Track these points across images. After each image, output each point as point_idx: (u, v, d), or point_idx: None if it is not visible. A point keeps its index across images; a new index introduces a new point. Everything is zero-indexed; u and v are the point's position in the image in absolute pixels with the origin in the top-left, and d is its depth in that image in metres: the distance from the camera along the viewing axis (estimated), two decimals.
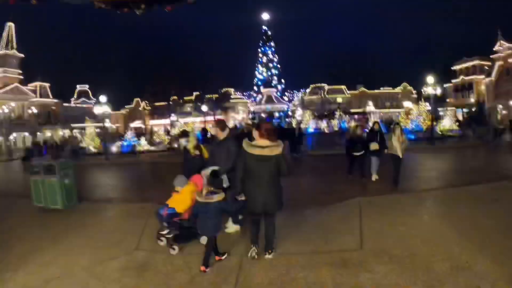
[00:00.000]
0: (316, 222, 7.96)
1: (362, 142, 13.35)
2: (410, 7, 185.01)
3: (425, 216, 8.11)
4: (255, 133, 5.71)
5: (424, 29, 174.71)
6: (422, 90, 36.52)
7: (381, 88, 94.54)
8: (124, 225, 8.59)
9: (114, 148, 33.74)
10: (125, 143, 33.19)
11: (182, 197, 6.74)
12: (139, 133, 44.98)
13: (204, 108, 47.53)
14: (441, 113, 49.21)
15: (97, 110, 31.83)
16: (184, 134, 9.19)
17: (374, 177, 13.06)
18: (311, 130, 50.78)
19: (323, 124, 52.51)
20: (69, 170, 11.24)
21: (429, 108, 34.06)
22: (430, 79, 29.74)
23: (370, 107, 69.73)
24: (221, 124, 7.79)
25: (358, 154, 13.28)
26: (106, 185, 17.68)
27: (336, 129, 49.08)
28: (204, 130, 42.46)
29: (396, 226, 7.18)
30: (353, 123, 29.91)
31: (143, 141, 32.46)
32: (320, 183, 13.66)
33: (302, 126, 51.23)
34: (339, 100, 51.87)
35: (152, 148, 31.27)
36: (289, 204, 7.53)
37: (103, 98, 31.09)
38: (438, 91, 32.28)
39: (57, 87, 76.43)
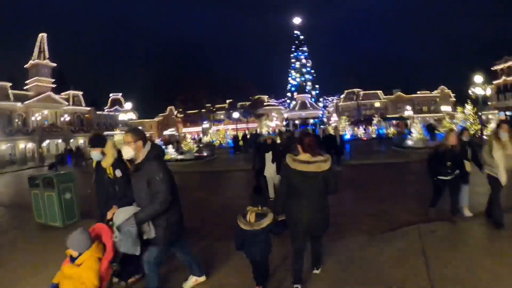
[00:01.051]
0: (361, 259, 6.09)
1: (455, 159, 7.98)
2: (446, 7, 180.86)
3: None
4: (298, 147, 5.07)
5: (461, 29, 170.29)
6: (470, 91, 33.47)
7: (418, 92, 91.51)
8: None
9: None
10: None
11: (84, 274, 4.00)
12: (168, 140, 43.58)
13: (236, 115, 46.12)
14: (485, 117, 46.12)
15: (122, 117, 30.98)
16: (97, 140, 5.83)
17: (468, 212, 8.34)
18: (347, 136, 48.20)
19: (360, 131, 50.18)
20: (70, 183, 10.03)
21: (474, 111, 31.50)
22: (478, 78, 27.43)
23: (409, 111, 66.95)
24: (136, 135, 4.72)
25: (447, 178, 8.04)
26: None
27: (373, 135, 46.80)
28: (235, 138, 41.36)
29: (481, 273, 5.10)
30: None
31: (170, 149, 30.92)
32: (363, 202, 11.16)
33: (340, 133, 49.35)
34: (377, 104, 49.39)
35: (180, 157, 29.68)
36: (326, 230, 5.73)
37: (128, 105, 30.18)
38: (488, 91, 29.80)
39: (91, 96, 77.72)
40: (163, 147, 31.39)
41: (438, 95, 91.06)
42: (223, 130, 52.84)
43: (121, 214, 4.46)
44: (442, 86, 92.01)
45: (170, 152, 30.59)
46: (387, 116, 69.75)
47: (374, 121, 50.80)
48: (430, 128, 28.38)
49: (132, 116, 31.40)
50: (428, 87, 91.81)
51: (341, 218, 8.62)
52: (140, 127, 51.18)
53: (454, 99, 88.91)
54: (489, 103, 68.03)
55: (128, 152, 4.70)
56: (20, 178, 30.71)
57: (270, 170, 11.63)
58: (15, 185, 26.29)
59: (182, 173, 24.05)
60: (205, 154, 32.30)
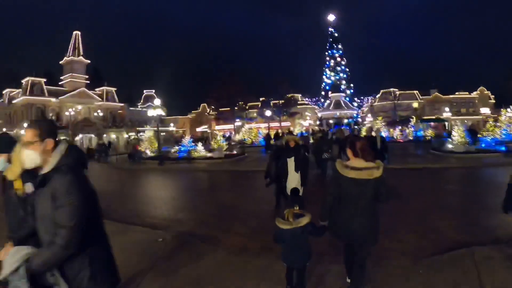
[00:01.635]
0: None
1: None
2: (486, 4, 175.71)
3: None
4: (349, 152, 4.84)
5: (502, 27, 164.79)
6: None
7: (456, 93, 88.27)
8: None
9: (172, 151, 32.17)
10: (182, 148, 31.10)
11: None
12: (199, 137, 42.91)
13: (268, 113, 45.00)
14: None
15: (151, 113, 30.32)
16: (3, 143, 3.83)
17: None
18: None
19: (396, 132, 48.28)
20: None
21: None
22: None
23: (447, 113, 64.33)
24: (42, 131, 2.91)
25: None
26: (131, 196, 15.48)
27: (410, 138, 44.89)
28: (267, 136, 40.22)
29: None
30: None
31: (199, 146, 30.07)
32: (404, 215, 9.54)
33: (373, 134, 47.52)
34: (415, 105, 47.42)
35: (209, 154, 28.82)
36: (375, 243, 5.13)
37: (157, 101, 29.46)
38: None
39: (125, 92, 78.14)
40: (192, 144, 30.72)
41: (477, 96, 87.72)
42: (255, 129, 51.79)
43: (9, 259, 2.72)
44: (481, 87, 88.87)
45: (199, 149, 29.77)
46: (425, 117, 67.25)
47: (412, 122, 48.56)
48: (472, 132, 26.45)
49: (161, 112, 30.53)
50: (467, 88, 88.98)
51: (380, 234, 7.33)
52: (172, 124, 50.29)
53: (493, 101, 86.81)
54: None
55: (31, 159, 2.86)
56: None
57: (292, 181, 8.85)
58: None
59: (210, 171, 23.33)
60: (235, 152, 31.32)
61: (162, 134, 40.41)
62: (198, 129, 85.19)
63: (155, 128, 33.32)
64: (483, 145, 25.05)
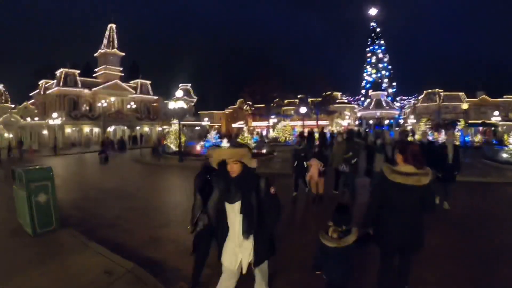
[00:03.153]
0: None
1: None
2: None
3: None
4: (398, 157, 4.69)
5: None
6: None
7: (504, 96, 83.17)
8: None
9: (198, 147, 30.27)
10: (206, 144, 28.90)
11: None
12: (226, 133, 40.88)
13: (303, 109, 42.11)
14: None
15: (172, 105, 28.23)
16: None
17: None
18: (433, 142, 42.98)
19: (442, 136, 44.58)
20: (46, 182, 7.97)
21: None
22: None
23: (496, 117, 60.22)
24: None
25: None
26: (124, 197, 13.63)
27: (457, 143, 41.09)
28: (301, 135, 37.43)
29: None
30: None
31: (224, 143, 27.76)
32: (471, 261, 6.47)
33: (417, 137, 44.25)
34: (464, 106, 43.73)
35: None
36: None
37: (179, 93, 27.24)
38: None
39: (163, 86, 77.33)
40: (218, 140, 28.46)
41: None
42: (289, 126, 49.22)
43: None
44: None
45: (224, 146, 27.47)
46: (472, 121, 63.00)
47: (459, 126, 44.63)
48: None
49: (183, 105, 28.38)
50: None
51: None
52: (206, 118, 49.37)
53: None
54: None
55: None
56: (77, 160, 33.97)
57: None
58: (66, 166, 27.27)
59: None
60: (263, 151, 28.78)
61: (196, 128, 39.27)
62: (234, 125, 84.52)
63: (186, 122, 31.57)
64: None
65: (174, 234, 8.43)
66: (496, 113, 65.20)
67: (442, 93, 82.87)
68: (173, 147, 31.82)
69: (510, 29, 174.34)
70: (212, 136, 29.25)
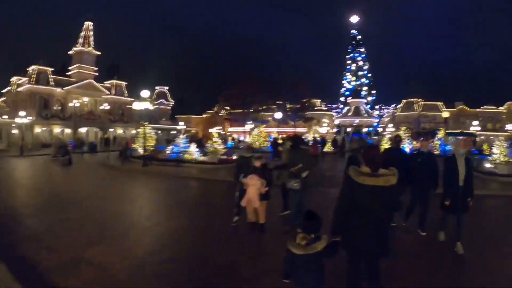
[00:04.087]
0: None
1: None
2: None
3: None
4: (363, 160, 4.59)
5: None
6: None
7: (482, 107, 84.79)
8: None
9: (167, 152, 28.75)
10: (174, 149, 27.51)
11: None
12: (195, 138, 39.42)
13: (278, 115, 41.04)
14: None
15: (137, 106, 26.72)
16: None
17: None
18: (407, 150, 42.55)
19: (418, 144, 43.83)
20: None
21: None
22: None
23: (475, 127, 60.70)
24: None
25: None
26: (82, 206, 11.89)
27: (436, 152, 40.56)
28: (275, 141, 36.15)
29: None
30: None
31: (193, 148, 26.39)
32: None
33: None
34: (445, 115, 43.35)
35: (203, 158, 25.14)
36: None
37: (145, 93, 25.60)
38: None
39: (139, 88, 75.72)
40: (187, 145, 27.11)
41: (505, 111, 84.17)
42: (264, 132, 48.04)
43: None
44: (509, 102, 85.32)
45: (192, 151, 26.10)
46: (451, 131, 63.06)
47: (439, 135, 43.99)
48: None
49: (148, 106, 26.84)
50: (494, 102, 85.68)
51: None
52: (182, 122, 48.11)
53: None
54: None
55: None
56: (40, 162, 31.74)
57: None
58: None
59: (197, 180, 19.48)
60: (234, 157, 27.48)
61: (172, 132, 38.20)
62: (212, 130, 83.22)
63: (161, 126, 30.06)
64: None
65: (101, 256, 7.06)
66: (475, 123, 65.82)
67: (421, 103, 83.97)
68: (141, 151, 30.31)
69: (489, 41, 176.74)
70: (181, 140, 27.88)
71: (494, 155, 21.13)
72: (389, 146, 10.81)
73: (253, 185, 8.35)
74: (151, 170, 23.04)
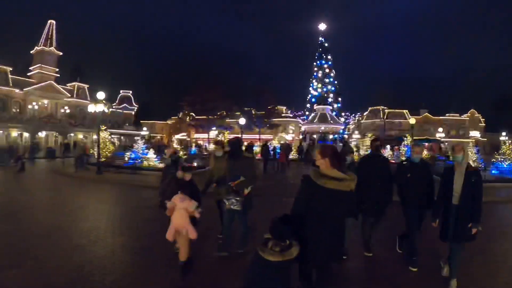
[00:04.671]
0: None
1: None
2: (481, 28, 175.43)
3: None
4: (324, 161, 4.30)
5: (495, 51, 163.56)
6: None
7: (446, 114, 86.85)
8: None
9: (125, 158, 27.53)
10: (132, 155, 26.40)
11: None
12: (154, 144, 38.48)
13: (242, 121, 40.22)
14: None
15: (92, 108, 25.42)
16: None
17: None
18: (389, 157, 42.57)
19: (387, 152, 43.93)
20: None
21: None
22: None
23: (440, 133, 61.97)
24: None
25: None
26: (14, 219, 10.53)
27: (403, 158, 40.64)
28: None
29: None
30: None
31: (150, 154, 25.37)
32: None
33: (362, 152, 43.54)
34: (412, 121, 43.46)
35: (162, 165, 24.15)
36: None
37: (101, 95, 24.29)
38: None
39: (104, 92, 73.80)
40: (145, 151, 26.12)
41: (468, 119, 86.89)
42: (227, 138, 47.36)
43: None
44: (472, 110, 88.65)
45: (151, 158, 25.08)
46: (419, 138, 63.91)
47: (405, 142, 44.22)
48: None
49: (103, 109, 25.59)
50: (457, 110, 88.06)
51: None
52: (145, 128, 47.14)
53: (483, 124, 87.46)
54: None
55: None
56: None
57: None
58: None
59: (154, 188, 17.96)
60: (194, 164, 26.55)
61: (136, 138, 37.21)
62: (177, 136, 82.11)
63: (124, 131, 28.83)
64: (494, 171, 20.64)
65: (13, 284, 5.97)
66: (441, 129, 67.16)
67: (386, 110, 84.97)
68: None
69: (451, 50, 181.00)
70: (140, 146, 26.79)
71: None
72: (367, 153, 9.46)
73: (182, 209, 6.13)
74: (106, 178, 21.85)
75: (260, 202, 9.76)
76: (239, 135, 36.28)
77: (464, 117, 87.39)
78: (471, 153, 21.17)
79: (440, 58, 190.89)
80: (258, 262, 3.90)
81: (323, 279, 4.56)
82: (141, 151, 26.17)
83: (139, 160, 25.59)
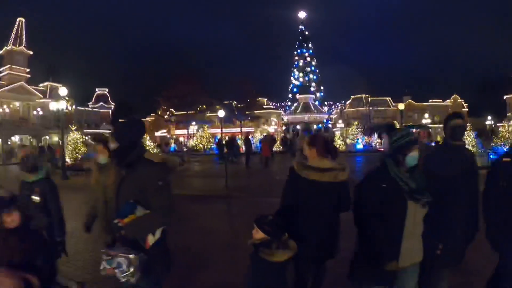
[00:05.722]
0: None
1: None
2: (462, 14, 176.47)
3: None
4: (311, 151, 4.10)
5: (476, 36, 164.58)
6: None
7: (430, 101, 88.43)
8: None
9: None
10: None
11: None
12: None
13: (221, 113, 38.47)
14: None
15: (53, 106, 23.44)
16: None
17: None
18: (360, 146, 42.72)
19: (374, 140, 43.08)
20: None
21: None
22: None
23: (426, 120, 61.71)
24: None
25: None
26: None
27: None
28: (220, 143, 33.68)
29: None
30: None
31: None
32: None
33: (348, 141, 42.28)
34: (401, 107, 42.82)
35: None
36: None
37: (63, 91, 22.10)
38: None
39: (78, 91, 71.59)
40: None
41: (451, 104, 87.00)
42: (207, 133, 46.01)
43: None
44: (455, 95, 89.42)
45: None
46: (408, 124, 63.81)
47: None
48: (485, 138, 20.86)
49: (65, 106, 23.40)
50: (440, 96, 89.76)
51: None
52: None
53: (467, 109, 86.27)
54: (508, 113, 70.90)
55: None
56: None
57: None
58: None
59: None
60: None
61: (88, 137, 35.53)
62: (157, 134, 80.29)
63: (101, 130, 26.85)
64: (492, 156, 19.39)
65: None
66: (426, 115, 66.80)
67: (369, 98, 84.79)
68: (68, 160, 26.86)
69: (435, 37, 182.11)
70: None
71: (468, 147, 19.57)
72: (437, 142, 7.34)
73: None
74: (73, 183, 19.81)
75: (244, 206, 7.98)
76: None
77: (447, 102, 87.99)
78: (470, 138, 19.82)
79: (422, 45, 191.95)
80: (256, 266, 3.50)
81: (319, 276, 4.38)
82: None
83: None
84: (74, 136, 29.72)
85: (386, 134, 4.55)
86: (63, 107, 22.83)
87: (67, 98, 24.57)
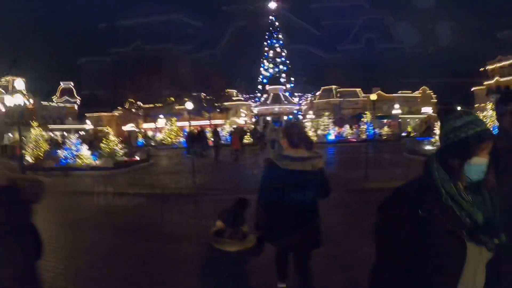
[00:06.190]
0: None
1: None
2: (431, 5, 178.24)
3: None
4: (284, 141, 4.20)
5: (446, 27, 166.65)
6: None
7: (399, 92, 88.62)
8: None
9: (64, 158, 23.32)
10: (65, 154, 22.97)
11: None
12: (91, 137, 35.53)
13: (189, 105, 37.42)
14: None
15: (9, 100, 21.99)
16: None
17: None
18: (331, 137, 42.34)
19: (345, 131, 42.98)
20: None
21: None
22: None
23: (397, 110, 62.46)
24: None
25: None
26: None
27: (364, 136, 40.00)
28: (190, 136, 32.55)
29: None
30: None
31: (84, 150, 22.09)
32: None
33: (320, 132, 41.94)
34: (373, 97, 42.78)
35: (97, 163, 21.04)
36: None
37: (20, 85, 20.75)
38: None
39: (42, 85, 69.09)
40: (79, 147, 22.95)
41: (420, 95, 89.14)
42: (175, 126, 45.20)
43: None
44: (424, 87, 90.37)
45: (85, 155, 21.79)
46: (379, 114, 64.12)
47: (365, 119, 43.54)
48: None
49: (22, 101, 21.84)
50: (410, 87, 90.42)
51: None
52: (87, 121, 43.99)
53: (435, 100, 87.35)
54: (476, 105, 69.96)
55: None
56: None
57: None
58: None
59: (87, 194, 14.47)
60: (137, 158, 23.64)
61: (81, 133, 34.62)
62: (125, 128, 78.66)
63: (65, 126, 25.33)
64: None
65: None
66: (397, 106, 67.62)
67: (339, 89, 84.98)
68: (29, 159, 25.23)
69: (403, 27, 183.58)
70: (73, 142, 23.49)
71: (436, 136, 18.97)
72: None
73: None
74: None
75: (214, 206, 7.25)
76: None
77: (416, 93, 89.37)
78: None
79: (391, 36, 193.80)
80: (213, 258, 3.40)
81: (301, 267, 4.40)
82: (74, 147, 22.89)
83: (72, 159, 22.31)
84: (36, 132, 28.08)
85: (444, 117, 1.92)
86: (20, 101, 21.24)
87: (24, 92, 22.90)
